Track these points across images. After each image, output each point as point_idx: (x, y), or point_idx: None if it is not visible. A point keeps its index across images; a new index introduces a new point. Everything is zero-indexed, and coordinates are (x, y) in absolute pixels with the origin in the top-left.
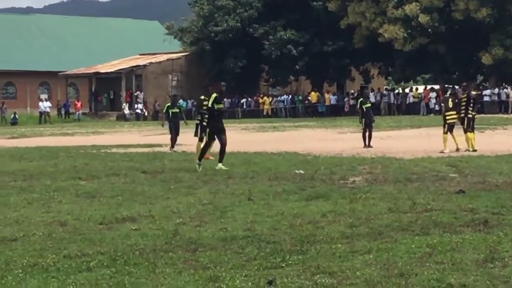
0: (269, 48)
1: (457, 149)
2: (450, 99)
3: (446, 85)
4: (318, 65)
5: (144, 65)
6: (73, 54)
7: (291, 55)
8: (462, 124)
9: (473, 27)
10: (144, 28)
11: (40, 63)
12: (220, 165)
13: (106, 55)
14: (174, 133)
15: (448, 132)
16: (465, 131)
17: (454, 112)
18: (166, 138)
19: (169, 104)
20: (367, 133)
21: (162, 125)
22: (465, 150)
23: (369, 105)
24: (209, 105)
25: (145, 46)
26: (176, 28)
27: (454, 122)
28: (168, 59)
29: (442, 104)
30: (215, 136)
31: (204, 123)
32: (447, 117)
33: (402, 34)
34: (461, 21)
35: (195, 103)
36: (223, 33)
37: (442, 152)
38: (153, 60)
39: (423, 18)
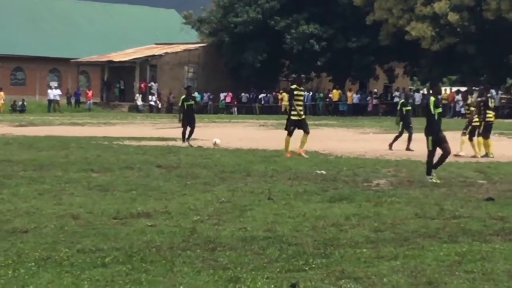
0: (291, 42)
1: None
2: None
3: (473, 87)
4: (341, 61)
5: (160, 55)
6: (86, 40)
7: (313, 51)
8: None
9: (504, 27)
10: (160, 16)
11: (51, 48)
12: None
13: (120, 43)
14: (189, 126)
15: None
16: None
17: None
18: (180, 132)
19: (184, 96)
20: (407, 136)
21: (179, 121)
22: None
23: (410, 108)
24: (432, 111)
25: (161, 35)
26: (194, 18)
27: (477, 126)
28: (185, 50)
29: (473, 108)
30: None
31: (293, 116)
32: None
33: (430, 32)
34: (492, 21)
35: (211, 96)
36: (243, 25)
37: (457, 155)
38: (169, 50)
39: (452, 17)
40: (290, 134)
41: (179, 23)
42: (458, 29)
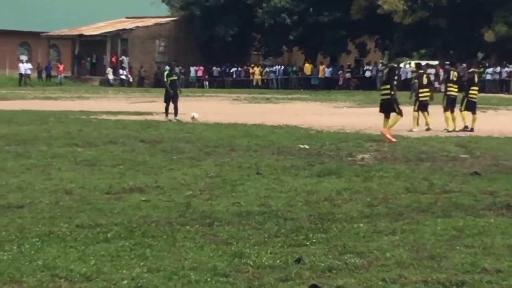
0: (262, 16)
1: (428, 129)
2: (424, 76)
3: (445, 62)
4: (312, 36)
5: (131, 29)
6: (56, 14)
7: (285, 25)
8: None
9: (476, 2)
10: None
11: (21, 22)
12: None
13: (91, 17)
14: (172, 102)
15: (420, 111)
16: (444, 110)
17: (427, 90)
18: (155, 106)
19: (167, 72)
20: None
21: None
22: (443, 130)
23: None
24: None
25: (131, 9)
26: None
27: (427, 100)
28: (156, 24)
29: (415, 80)
30: None
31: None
32: (420, 95)
33: (402, 6)
34: None
35: (182, 70)
36: None
37: (411, 131)
38: (140, 24)
39: None
40: (402, 113)
41: None
42: (430, 3)
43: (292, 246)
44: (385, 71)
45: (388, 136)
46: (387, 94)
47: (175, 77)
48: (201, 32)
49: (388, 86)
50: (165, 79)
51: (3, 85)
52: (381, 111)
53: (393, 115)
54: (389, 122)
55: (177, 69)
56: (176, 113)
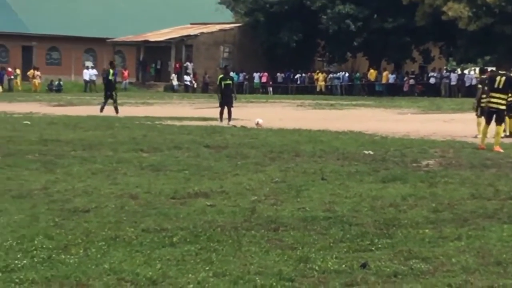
0: (326, 22)
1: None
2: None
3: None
4: (376, 42)
5: (196, 35)
6: (121, 20)
7: (349, 31)
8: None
9: None
10: None
11: (86, 28)
12: None
13: (155, 23)
14: (226, 106)
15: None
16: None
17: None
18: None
19: (222, 75)
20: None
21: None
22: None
23: None
24: None
25: (196, 15)
26: None
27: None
28: (220, 30)
29: (480, 86)
30: None
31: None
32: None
33: (467, 12)
34: None
35: (247, 76)
36: (279, 5)
37: (475, 137)
38: (204, 30)
39: None
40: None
41: (214, 3)
42: (495, 10)
43: (357, 251)
44: (501, 78)
45: (500, 149)
46: (502, 104)
47: (229, 81)
48: (266, 38)
49: (504, 96)
50: (219, 83)
51: (68, 90)
52: (486, 117)
53: (498, 128)
54: (495, 137)
55: (241, 75)
56: (229, 117)
